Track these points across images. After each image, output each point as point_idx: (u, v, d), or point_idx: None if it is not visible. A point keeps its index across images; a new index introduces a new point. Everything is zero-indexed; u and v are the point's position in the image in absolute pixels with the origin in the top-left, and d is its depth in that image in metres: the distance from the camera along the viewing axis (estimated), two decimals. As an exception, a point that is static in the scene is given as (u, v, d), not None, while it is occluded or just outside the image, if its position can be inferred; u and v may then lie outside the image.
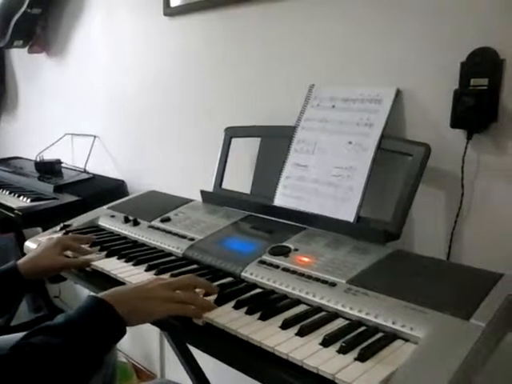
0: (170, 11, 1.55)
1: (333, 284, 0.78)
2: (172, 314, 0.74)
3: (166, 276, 0.88)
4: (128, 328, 0.70)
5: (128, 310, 0.69)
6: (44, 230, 1.34)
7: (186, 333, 0.77)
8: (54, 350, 0.61)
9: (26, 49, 2.31)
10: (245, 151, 1.29)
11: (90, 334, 0.65)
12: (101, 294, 0.71)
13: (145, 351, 1.96)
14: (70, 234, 1.14)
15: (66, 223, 1.23)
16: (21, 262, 0.95)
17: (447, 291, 0.72)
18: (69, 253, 1.03)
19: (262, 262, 0.89)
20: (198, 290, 0.80)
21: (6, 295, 0.92)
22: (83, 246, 1.05)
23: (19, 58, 2.59)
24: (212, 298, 0.79)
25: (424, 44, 0.97)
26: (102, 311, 0.68)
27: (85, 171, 1.99)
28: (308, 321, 0.70)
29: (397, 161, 0.99)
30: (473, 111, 0.88)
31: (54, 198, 1.65)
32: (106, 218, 1.25)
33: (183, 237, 1.05)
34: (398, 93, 0.99)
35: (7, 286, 0.92)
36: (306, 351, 0.62)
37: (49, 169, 1.97)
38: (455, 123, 0.92)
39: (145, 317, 0.73)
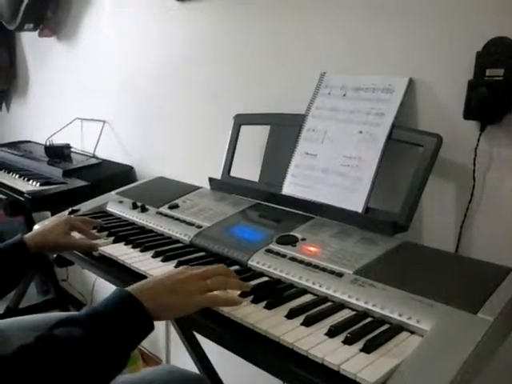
0: (181, -4, 1.53)
1: (340, 274, 0.78)
2: (204, 307, 0.70)
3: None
4: None
5: (157, 304, 0.66)
6: (53, 214, 1.36)
7: (190, 319, 0.75)
8: (76, 341, 0.58)
9: (37, 32, 2.30)
10: (254, 139, 1.28)
11: (114, 327, 0.61)
12: (129, 288, 0.66)
13: (151, 336, 1.96)
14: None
15: (74, 208, 1.23)
16: (28, 236, 0.96)
17: (455, 284, 0.72)
18: (76, 234, 1.03)
19: (269, 251, 0.89)
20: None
21: (11, 268, 0.92)
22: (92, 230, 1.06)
23: (30, 41, 2.59)
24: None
25: (439, 33, 0.95)
26: (128, 305, 0.64)
27: (94, 156, 1.99)
28: (314, 311, 0.70)
29: (407, 151, 0.98)
30: (487, 102, 0.86)
31: (62, 183, 1.66)
32: (115, 204, 1.25)
33: (191, 224, 1.05)
34: (411, 82, 0.98)
35: (13, 259, 0.92)
36: (312, 341, 0.62)
37: (58, 153, 1.98)
38: (468, 114, 0.90)
39: (175, 312, 0.69)
